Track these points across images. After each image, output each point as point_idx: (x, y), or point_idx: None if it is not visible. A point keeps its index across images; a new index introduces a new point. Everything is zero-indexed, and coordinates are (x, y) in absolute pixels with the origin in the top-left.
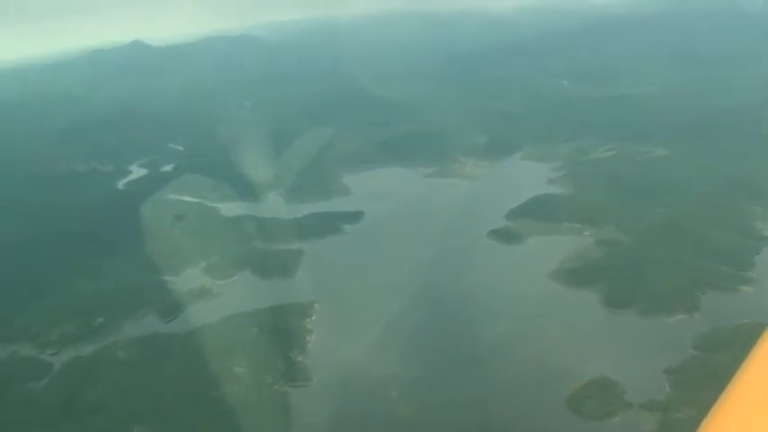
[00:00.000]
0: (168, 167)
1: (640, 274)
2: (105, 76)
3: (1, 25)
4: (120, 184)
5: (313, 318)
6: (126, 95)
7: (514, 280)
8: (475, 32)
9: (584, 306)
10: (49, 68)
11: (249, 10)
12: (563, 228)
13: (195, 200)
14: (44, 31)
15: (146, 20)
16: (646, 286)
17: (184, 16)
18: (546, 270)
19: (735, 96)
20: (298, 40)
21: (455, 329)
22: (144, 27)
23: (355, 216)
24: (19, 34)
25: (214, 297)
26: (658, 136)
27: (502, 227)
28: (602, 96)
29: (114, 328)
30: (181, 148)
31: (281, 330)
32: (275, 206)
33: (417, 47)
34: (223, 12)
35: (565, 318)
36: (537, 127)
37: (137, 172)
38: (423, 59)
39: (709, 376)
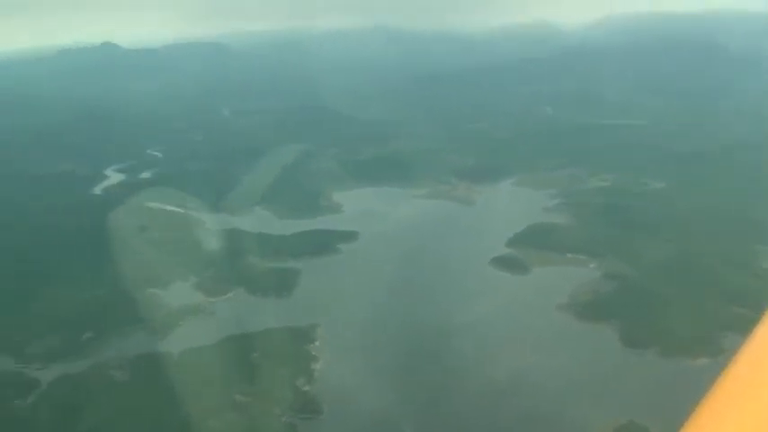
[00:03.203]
0: (147, 174)
1: (656, 311)
2: (75, 77)
3: None
4: (98, 189)
5: (317, 343)
6: (99, 97)
7: (523, 312)
8: (449, 53)
9: (600, 343)
10: (14, 66)
11: (219, 17)
12: (567, 258)
13: (179, 210)
14: (10, 28)
15: (115, 21)
16: (664, 325)
17: (154, 19)
18: (555, 302)
19: (723, 132)
20: (269, 51)
21: (468, 363)
22: (113, 28)
23: (349, 236)
24: None
25: (208, 315)
26: (652, 168)
27: (504, 254)
28: (588, 125)
29: (103, 343)
30: (159, 155)
31: (284, 355)
32: (265, 221)
33: (394, 66)
34: (193, 17)
35: (581, 355)
36: (525, 152)
37: (114, 177)
38: (399, 79)
39: None
